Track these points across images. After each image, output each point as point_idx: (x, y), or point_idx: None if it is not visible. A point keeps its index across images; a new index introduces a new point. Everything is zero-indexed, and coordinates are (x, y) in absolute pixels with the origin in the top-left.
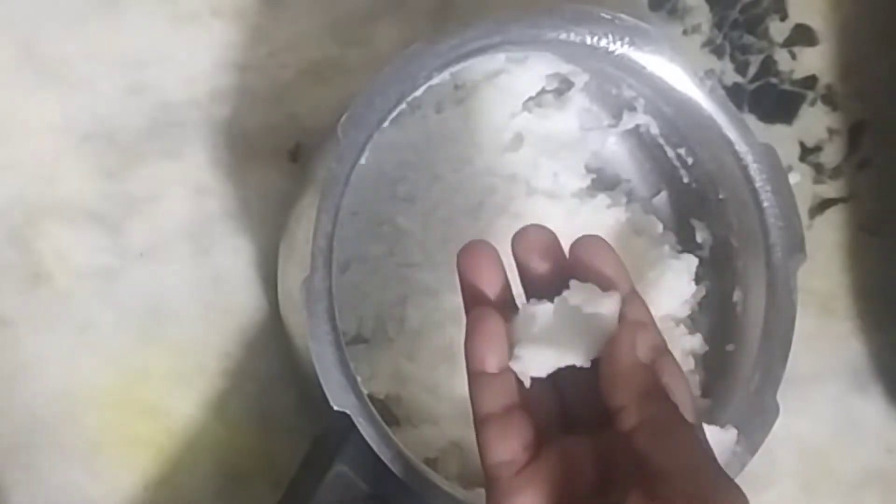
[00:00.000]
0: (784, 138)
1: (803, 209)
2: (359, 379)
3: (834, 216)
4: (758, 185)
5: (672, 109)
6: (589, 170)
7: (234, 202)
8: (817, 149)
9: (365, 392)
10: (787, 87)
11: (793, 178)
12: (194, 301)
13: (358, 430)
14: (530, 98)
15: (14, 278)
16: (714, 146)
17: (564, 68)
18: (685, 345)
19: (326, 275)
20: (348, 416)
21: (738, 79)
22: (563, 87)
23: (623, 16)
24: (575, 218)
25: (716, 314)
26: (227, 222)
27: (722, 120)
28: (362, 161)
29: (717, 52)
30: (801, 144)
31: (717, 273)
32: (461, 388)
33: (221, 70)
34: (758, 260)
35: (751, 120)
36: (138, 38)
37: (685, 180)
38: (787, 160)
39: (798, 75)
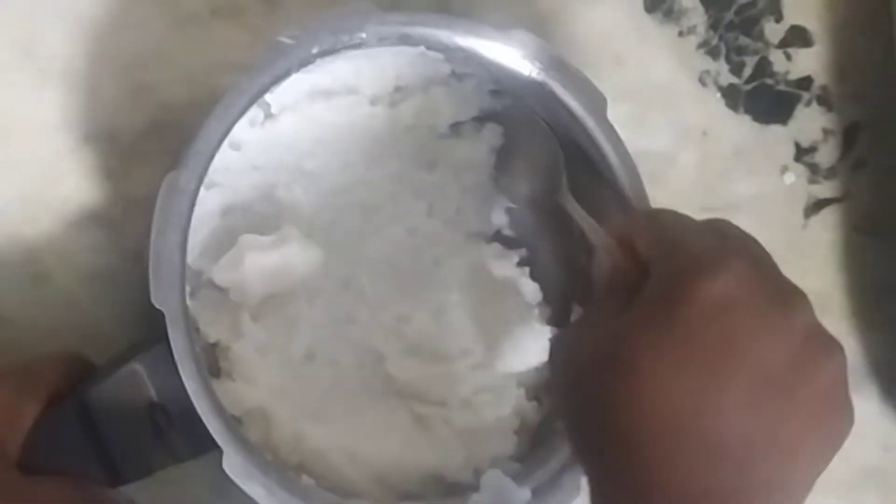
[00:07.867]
0: (779, 139)
1: (799, 209)
2: (200, 323)
3: (829, 216)
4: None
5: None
6: (494, 218)
7: None
8: (812, 149)
9: (195, 322)
10: (782, 87)
11: (788, 179)
12: None
13: (167, 340)
14: (459, 123)
15: (14, 278)
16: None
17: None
18: None
19: (195, 178)
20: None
21: (734, 80)
22: (484, 116)
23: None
24: (461, 255)
25: None
26: None
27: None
28: (281, 117)
29: (713, 53)
30: (797, 145)
31: None
32: (292, 354)
33: (221, 70)
34: None
35: (746, 120)
36: (138, 39)
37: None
38: (783, 160)
39: (793, 76)
